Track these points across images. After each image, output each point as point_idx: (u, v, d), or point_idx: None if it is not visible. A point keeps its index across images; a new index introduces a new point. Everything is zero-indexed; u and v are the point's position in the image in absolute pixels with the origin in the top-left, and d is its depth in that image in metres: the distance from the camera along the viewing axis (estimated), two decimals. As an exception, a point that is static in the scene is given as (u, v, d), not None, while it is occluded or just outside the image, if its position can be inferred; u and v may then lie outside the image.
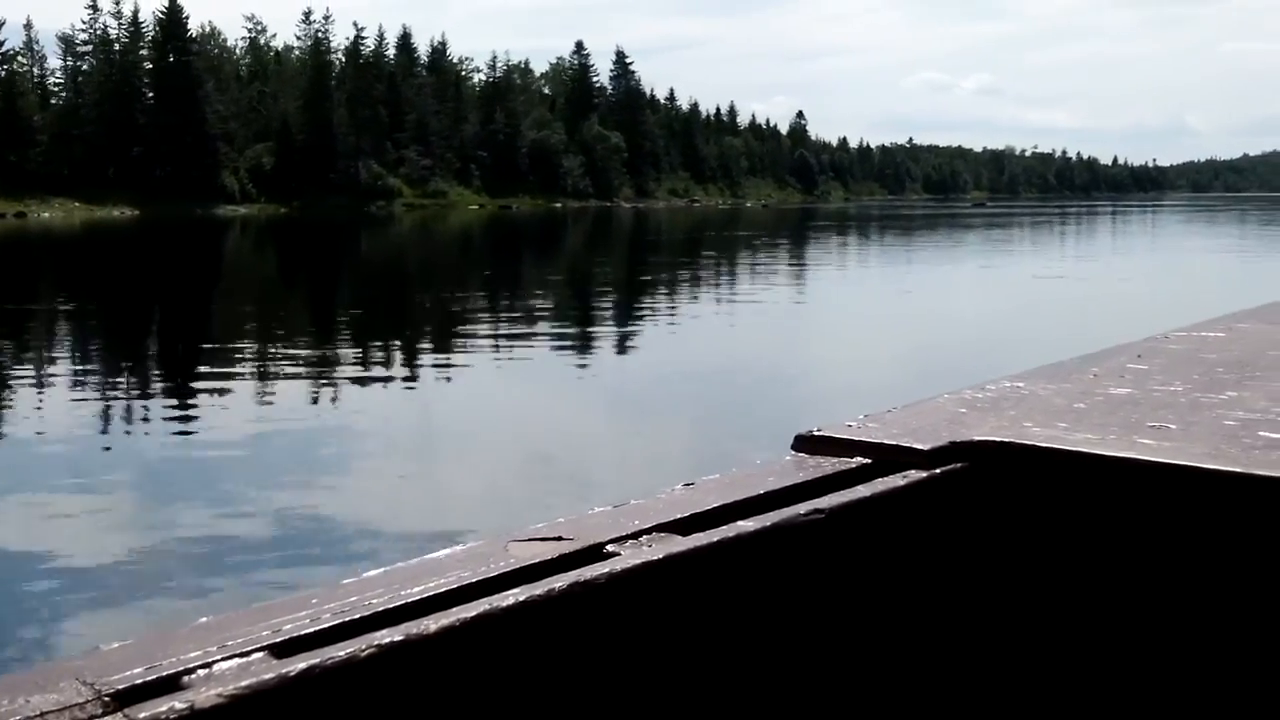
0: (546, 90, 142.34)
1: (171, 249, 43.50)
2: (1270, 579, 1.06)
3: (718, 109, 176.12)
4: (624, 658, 0.89)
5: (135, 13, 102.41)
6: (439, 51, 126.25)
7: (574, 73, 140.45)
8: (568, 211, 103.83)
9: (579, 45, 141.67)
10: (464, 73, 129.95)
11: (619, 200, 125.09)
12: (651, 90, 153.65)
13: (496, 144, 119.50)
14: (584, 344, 15.28)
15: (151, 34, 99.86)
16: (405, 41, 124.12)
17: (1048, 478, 1.13)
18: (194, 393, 11.34)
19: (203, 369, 13.05)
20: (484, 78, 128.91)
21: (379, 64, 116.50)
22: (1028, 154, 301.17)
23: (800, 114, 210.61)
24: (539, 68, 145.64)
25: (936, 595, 1.11)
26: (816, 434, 1.17)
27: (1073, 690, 1.16)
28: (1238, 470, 1.05)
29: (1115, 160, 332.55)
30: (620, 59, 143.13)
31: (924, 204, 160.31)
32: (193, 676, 0.72)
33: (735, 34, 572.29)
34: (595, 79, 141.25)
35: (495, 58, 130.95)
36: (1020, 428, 1.20)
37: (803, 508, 0.99)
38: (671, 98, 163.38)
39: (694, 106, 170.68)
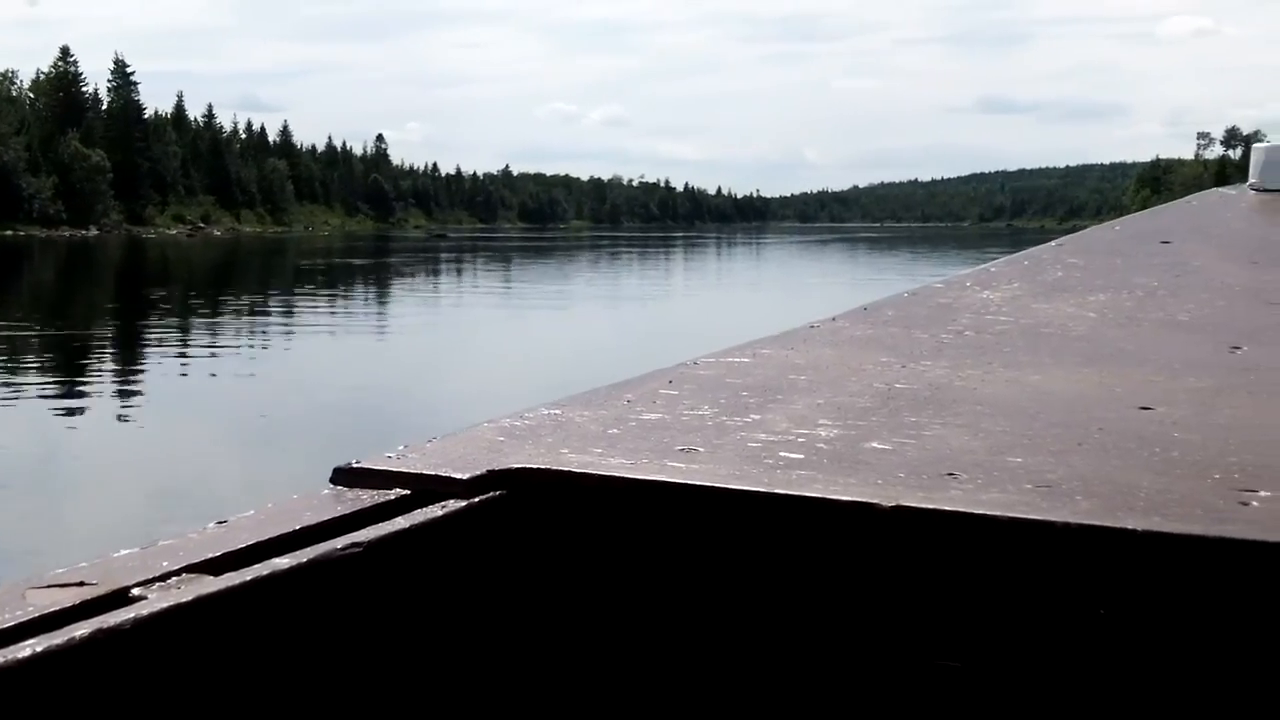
0: (38, 104, 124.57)
1: None
2: (793, 593, 1.12)
3: (262, 128, 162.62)
4: (154, 707, 0.84)
5: None
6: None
7: (56, 83, 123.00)
8: (15, 241, 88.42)
9: (64, 51, 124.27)
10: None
11: (95, 227, 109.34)
12: (162, 105, 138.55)
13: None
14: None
15: None
16: None
17: (584, 502, 1.15)
18: None
19: None
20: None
21: None
22: (634, 184, 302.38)
23: (380, 137, 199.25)
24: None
25: (480, 623, 1.13)
26: (355, 466, 1.15)
27: (618, 705, 1.18)
28: (760, 490, 1.10)
29: (720, 190, 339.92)
30: (120, 69, 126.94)
31: (501, 232, 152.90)
32: None
33: (370, 60, 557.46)
34: (86, 89, 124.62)
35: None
36: (557, 454, 1.22)
37: (340, 542, 0.98)
38: (210, 114, 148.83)
39: (248, 126, 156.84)
